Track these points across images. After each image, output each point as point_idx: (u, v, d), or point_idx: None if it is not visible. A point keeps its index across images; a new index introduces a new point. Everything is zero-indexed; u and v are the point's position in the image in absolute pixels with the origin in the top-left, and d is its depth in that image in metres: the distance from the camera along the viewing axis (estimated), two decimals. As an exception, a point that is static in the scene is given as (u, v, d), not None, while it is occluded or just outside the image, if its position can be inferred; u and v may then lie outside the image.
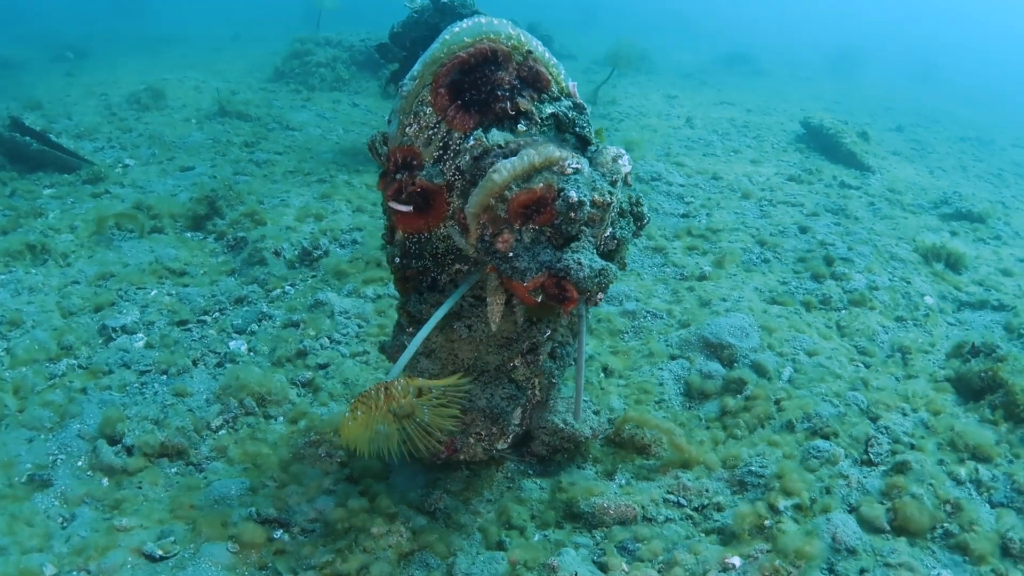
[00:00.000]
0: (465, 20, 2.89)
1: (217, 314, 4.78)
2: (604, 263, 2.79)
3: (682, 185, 7.67)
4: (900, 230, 6.53)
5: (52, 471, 3.34)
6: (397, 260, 3.09)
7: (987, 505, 3.29)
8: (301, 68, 10.97)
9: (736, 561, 2.94)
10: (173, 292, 4.93)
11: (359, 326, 4.73)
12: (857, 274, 5.54)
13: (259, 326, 4.67)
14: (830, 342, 4.67)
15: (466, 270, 3.05)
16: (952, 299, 5.28)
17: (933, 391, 4.06)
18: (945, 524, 3.16)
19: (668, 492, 3.42)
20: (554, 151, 2.73)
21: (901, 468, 3.43)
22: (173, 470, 3.46)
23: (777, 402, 3.99)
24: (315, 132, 8.86)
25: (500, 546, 3.08)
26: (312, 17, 14.26)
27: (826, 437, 3.72)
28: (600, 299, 2.97)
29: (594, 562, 3.01)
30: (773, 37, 23.83)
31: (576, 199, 2.70)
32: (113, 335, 4.38)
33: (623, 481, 3.49)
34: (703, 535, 3.17)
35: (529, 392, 3.42)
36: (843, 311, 5.09)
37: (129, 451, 3.49)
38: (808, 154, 9.18)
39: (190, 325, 4.62)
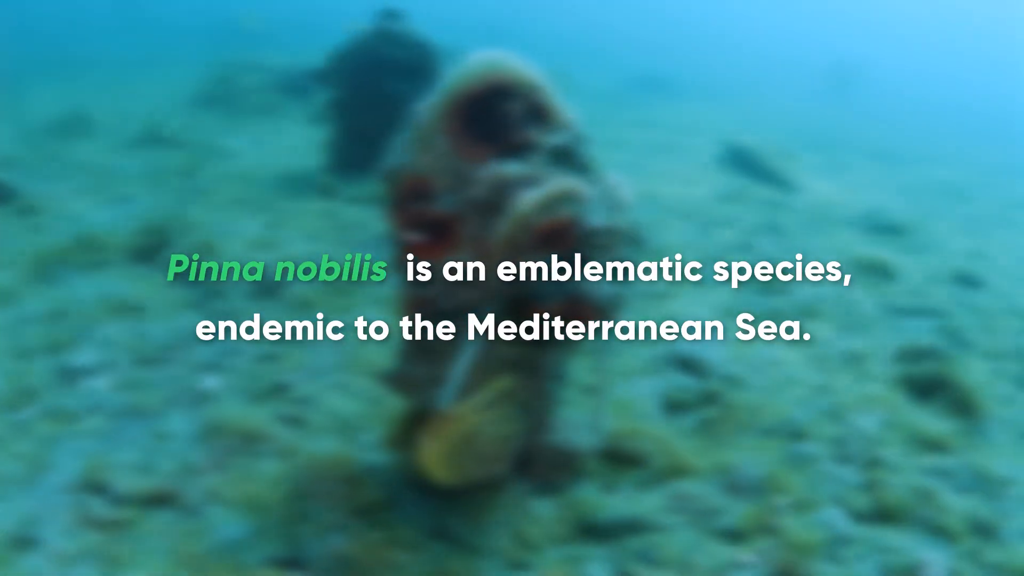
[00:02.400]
0: (477, 52, 2.99)
1: (183, 350, 4.59)
2: (619, 286, 2.93)
3: (624, 206, 7.97)
4: (833, 244, 7.06)
5: (37, 528, 3.11)
6: (407, 289, 3.12)
7: (953, 490, 3.63)
8: (228, 93, 10.68)
9: (749, 557, 3.12)
10: (133, 329, 4.70)
11: (336, 356, 4.66)
12: (802, 287, 5.94)
13: (231, 361, 4.53)
14: (789, 351, 5.00)
15: (473, 297, 3.10)
16: (888, 307, 5.76)
17: (889, 392, 4.43)
18: (920, 509, 3.46)
19: (669, 499, 3.57)
20: (573, 181, 2.86)
21: (875, 463, 3.73)
22: (168, 517, 3.30)
23: (753, 409, 4.24)
24: (252, 159, 8.65)
25: (522, 566, 3.13)
26: (228, 40, 13.92)
27: (803, 439, 3.99)
28: (616, 320, 3.09)
29: (617, 572, 3.11)
30: (682, 60, 25.07)
31: (594, 226, 2.84)
32: (76, 377, 4.14)
33: (626, 493, 3.62)
34: (710, 537, 3.33)
35: (530, 413, 3.50)
36: (794, 322, 5.45)
37: (119, 500, 3.30)
38: (734, 174, 9.74)
39: (157, 363, 4.42)
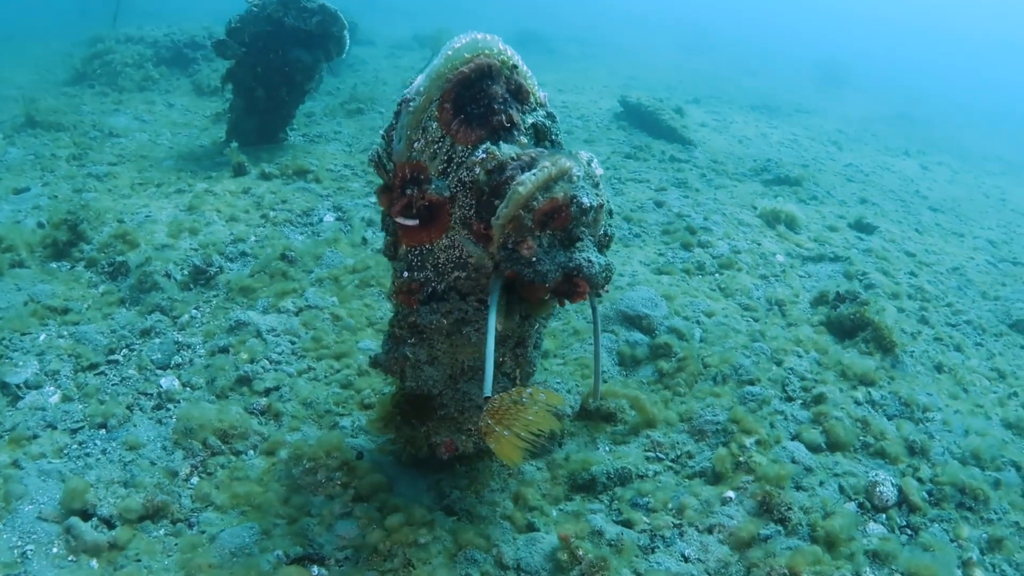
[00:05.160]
0: (462, 36, 3.00)
1: (126, 351, 4.34)
2: (607, 258, 3.10)
3: (538, 170, 8.12)
4: (737, 198, 7.57)
5: (25, 566, 2.88)
6: (405, 274, 3.14)
7: (885, 418, 4.15)
8: (104, 68, 9.76)
9: (731, 494, 3.47)
10: (65, 333, 4.37)
11: (292, 342, 4.57)
12: (719, 241, 6.38)
13: (182, 357, 4.33)
14: (719, 303, 5.40)
15: (464, 277, 3.17)
16: (796, 255, 6.31)
17: (815, 334, 4.92)
18: (862, 437, 3.95)
19: (646, 450, 3.85)
20: (566, 161, 2.96)
21: (819, 399, 4.18)
22: (161, 532, 3.18)
23: (702, 359, 4.59)
24: (142, 138, 8.02)
25: (531, 527, 3.30)
26: (90, 11, 12.65)
27: (752, 383, 4.39)
28: (607, 290, 3.27)
29: (615, 522, 3.35)
30: (553, 14, 25.26)
31: (588, 204, 2.98)
32: (19, 393, 3.83)
33: (606, 448, 3.86)
34: (688, 480, 3.64)
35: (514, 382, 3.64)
36: (718, 274, 5.87)
37: (108, 522, 3.13)
38: (631, 131, 10.10)
39: (103, 368, 4.16)
